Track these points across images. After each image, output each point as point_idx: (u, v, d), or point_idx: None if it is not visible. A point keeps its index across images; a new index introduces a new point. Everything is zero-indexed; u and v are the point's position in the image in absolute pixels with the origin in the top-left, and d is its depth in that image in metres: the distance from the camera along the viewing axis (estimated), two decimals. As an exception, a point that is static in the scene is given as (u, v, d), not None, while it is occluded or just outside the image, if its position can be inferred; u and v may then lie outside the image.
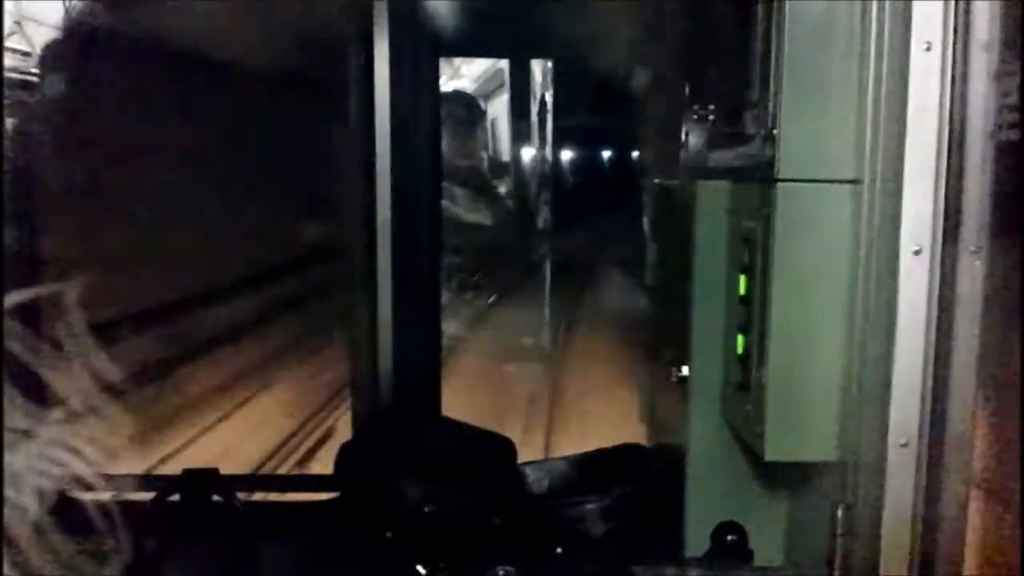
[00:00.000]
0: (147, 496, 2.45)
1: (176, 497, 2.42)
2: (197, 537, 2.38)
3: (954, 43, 1.56)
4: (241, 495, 2.63)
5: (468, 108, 14.69)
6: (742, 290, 2.03)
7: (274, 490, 3.11)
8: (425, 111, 3.73)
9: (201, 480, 2.43)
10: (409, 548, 2.20)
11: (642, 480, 2.47)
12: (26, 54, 4.89)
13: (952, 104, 1.57)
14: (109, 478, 1.77)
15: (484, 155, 15.73)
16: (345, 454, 2.64)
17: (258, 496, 3.05)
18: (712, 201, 2.17)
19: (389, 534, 2.24)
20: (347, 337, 3.66)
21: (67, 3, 4.48)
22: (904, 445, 1.61)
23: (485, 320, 10.43)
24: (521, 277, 12.38)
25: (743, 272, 2.02)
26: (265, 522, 2.53)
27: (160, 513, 2.40)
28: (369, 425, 3.17)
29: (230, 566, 2.31)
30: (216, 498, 2.42)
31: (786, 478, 2.11)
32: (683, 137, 2.71)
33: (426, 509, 2.31)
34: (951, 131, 1.57)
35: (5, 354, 1.35)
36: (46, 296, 1.48)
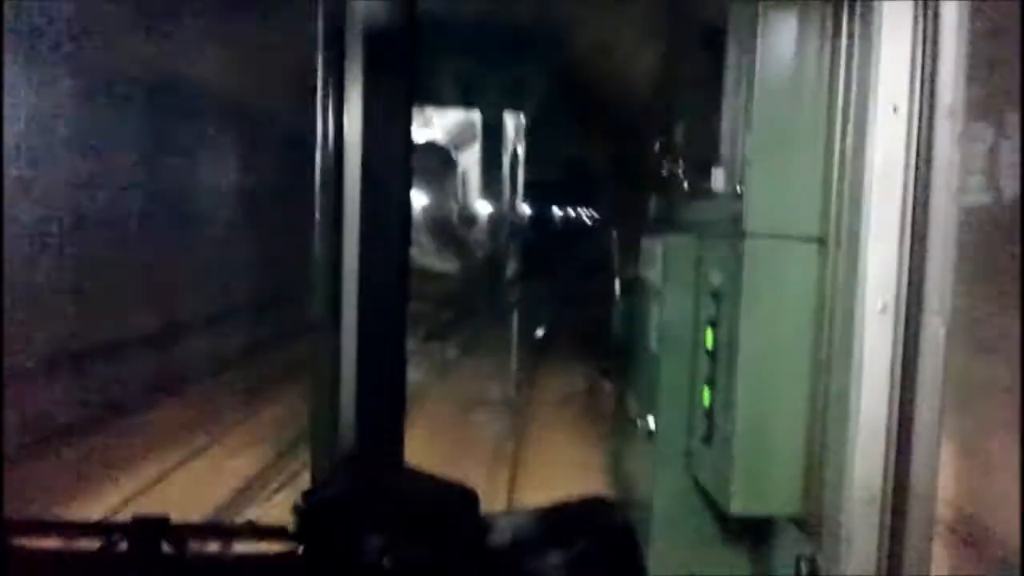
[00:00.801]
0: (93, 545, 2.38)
1: (124, 546, 2.35)
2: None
3: (920, 108, 1.59)
4: (194, 545, 2.56)
5: (440, 158, 14.77)
6: (709, 344, 2.03)
7: (228, 539, 3.02)
8: (396, 160, 3.74)
9: (150, 528, 2.37)
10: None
11: (607, 533, 2.44)
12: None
13: (917, 166, 1.59)
14: (55, 525, 1.72)
15: (454, 205, 15.80)
16: (304, 503, 2.59)
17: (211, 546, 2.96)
18: (680, 256, 2.19)
19: (348, 586, 2.19)
20: (307, 384, 3.60)
21: None
22: (868, 501, 1.61)
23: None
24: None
25: (710, 326, 2.03)
26: (218, 574, 2.46)
27: (107, 562, 2.32)
28: (328, 475, 3.12)
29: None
30: (166, 548, 2.35)
31: (751, 531, 2.10)
32: (651, 192, 2.75)
33: (385, 562, 2.26)
34: (916, 193, 1.59)
35: None
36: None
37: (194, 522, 4.06)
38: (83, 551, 2.35)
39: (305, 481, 3.47)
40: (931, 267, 1.59)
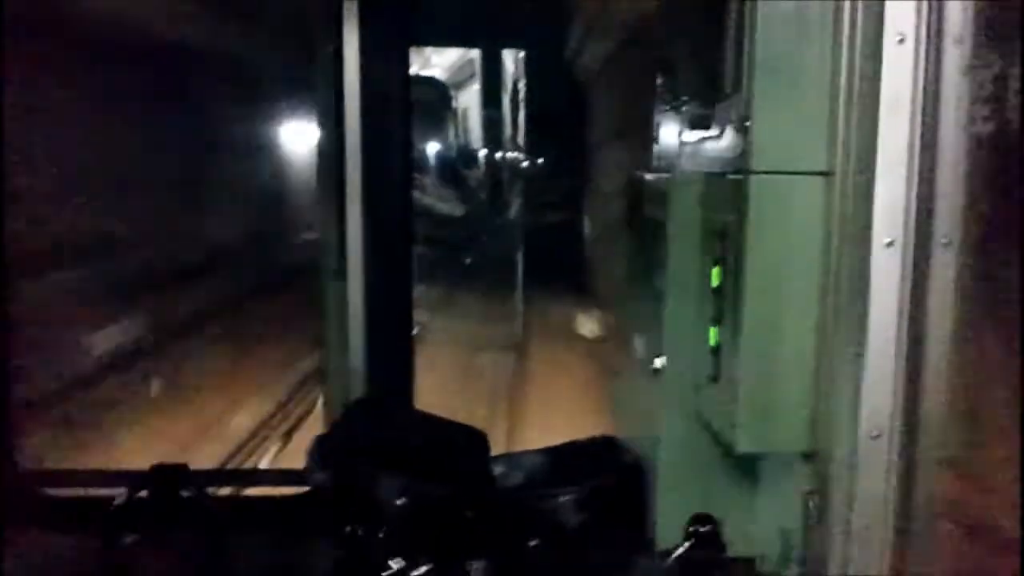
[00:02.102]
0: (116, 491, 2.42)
1: (145, 493, 2.39)
2: (167, 532, 2.35)
3: (927, 36, 1.56)
4: (211, 490, 2.60)
5: (439, 98, 14.63)
6: (715, 282, 2.03)
7: (245, 485, 3.08)
8: (395, 101, 3.70)
9: (170, 475, 2.41)
10: (383, 542, 2.19)
11: (615, 472, 2.47)
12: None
13: (925, 97, 1.57)
14: (79, 473, 1.75)
15: (454, 144, 15.69)
16: (317, 448, 2.62)
17: (229, 491, 3.02)
18: (685, 193, 2.17)
19: (362, 528, 2.23)
20: (317, 329, 3.63)
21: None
22: (876, 437, 1.62)
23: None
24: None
25: (716, 264, 2.03)
26: (236, 517, 2.51)
27: (129, 508, 2.37)
28: (341, 419, 3.15)
29: (200, 561, 2.29)
30: (185, 493, 2.40)
31: (759, 469, 2.12)
32: (655, 129, 2.72)
33: (398, 502, 2.30)
34: (924, 124, 1.57)
35: None
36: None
37: (211, 469, 4.13)
38: (107, 497, 2.40)
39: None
40: (940, 199, 1.57)
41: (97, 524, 1.73)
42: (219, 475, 3.36)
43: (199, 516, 2.44)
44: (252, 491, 2.93)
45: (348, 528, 2.24)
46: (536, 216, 12.77)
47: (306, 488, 2.58)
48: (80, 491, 2.45)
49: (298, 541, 2.36)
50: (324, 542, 2.28)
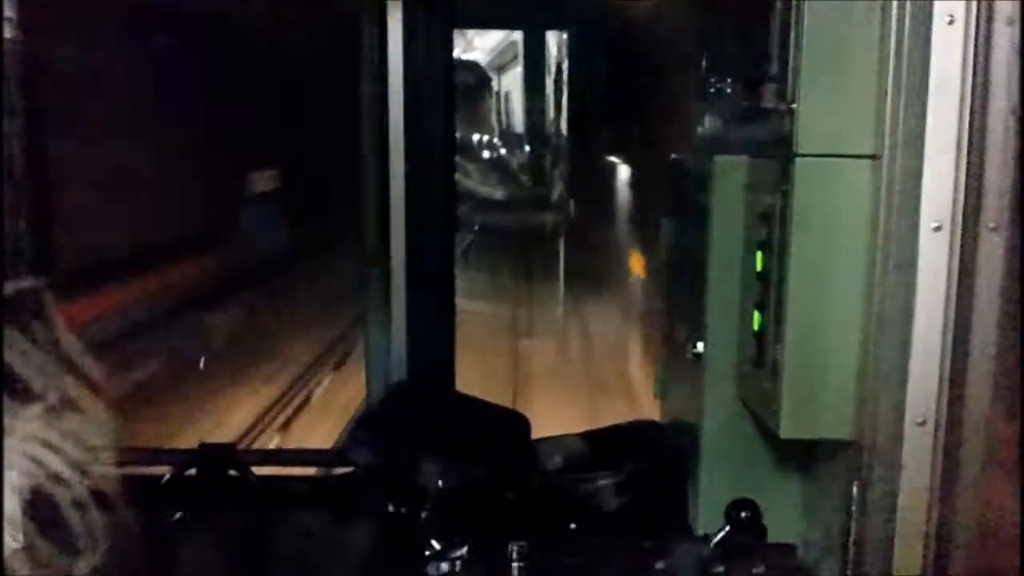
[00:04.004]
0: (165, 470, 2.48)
1: (192, 471, 2.44)
2: (213, 510, 2.40)
3: (977, 17, 1.53)
4: (256, 469, 2.64)
5: (481, 81, 14.63)
6: (759, 266, 2.01)
7: (289, 465, 3.12)
8: (439, 84, 3.71)
9: (217, 454, 2.45)
10: (424, 523, 2.21)
11: (656, 456, 2.47)
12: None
13: (974, 79, 1.54)
14: (127, 451, 1.78)
15: (496, 126, 15.70)
16: (358, 429, 2.65)
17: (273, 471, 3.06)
18: (729, 177, 2.15)
19: (404, 510, 2.25)
20: (360, 312, 3.66)
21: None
22: (921, 423, 1.61)
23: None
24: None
25: (760, 248, 2.01)
26: (280, 496, 2.55)
27: (176, 486, 2.42)
28: (382, 400, 3.18)
29: (245, 538, 2.33)
30: (232, 472, 2.44)
31: (801, 455, 2.10)
32: (699, 111, 2.69)
33: (440, 485, 2.32)
34: (972, 107, 1.55)
35: None
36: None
37: (256, 448, 4.20)
38: (155, 475, 2.46)
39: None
40: (988, 183, 1.55)
41: (144, 502, 1.76)
42: (264, 454, 3.41)
43: (244, 495, 2.48)
44: (296, 471, 2.97)
45: (390, 509, 2.27)
46: (578, 200, 12.73)
47: (348, 469, 2.61)
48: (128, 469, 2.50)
49: (340, 522, 2.39)
50: (366, 523, 2.31)
